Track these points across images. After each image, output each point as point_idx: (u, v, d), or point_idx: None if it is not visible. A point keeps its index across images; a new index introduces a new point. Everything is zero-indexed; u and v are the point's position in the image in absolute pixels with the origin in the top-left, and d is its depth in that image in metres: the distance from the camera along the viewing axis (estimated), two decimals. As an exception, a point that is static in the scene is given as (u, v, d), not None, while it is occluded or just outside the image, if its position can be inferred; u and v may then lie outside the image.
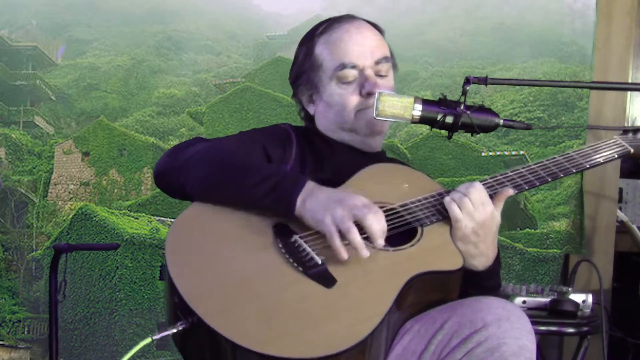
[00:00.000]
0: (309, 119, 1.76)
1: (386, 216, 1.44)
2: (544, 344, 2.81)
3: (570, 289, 2.43)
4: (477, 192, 1.44)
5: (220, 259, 1.34)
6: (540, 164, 1.58)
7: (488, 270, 1.49)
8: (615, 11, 2.97)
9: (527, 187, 1.53)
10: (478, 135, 1.55)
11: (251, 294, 1.29)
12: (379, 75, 1.68)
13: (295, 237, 1.39)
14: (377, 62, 1.69)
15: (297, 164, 1.61)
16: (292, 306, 1.28)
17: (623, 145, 1.66)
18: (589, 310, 2.40)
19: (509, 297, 2.33)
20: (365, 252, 1.32)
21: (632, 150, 1.66)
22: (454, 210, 1.43)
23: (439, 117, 1.50)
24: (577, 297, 2.40)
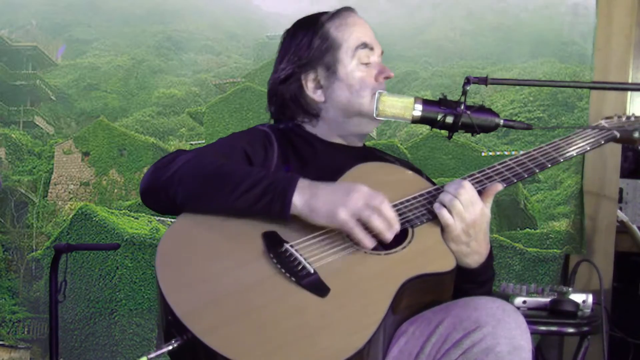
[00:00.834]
0: (307, 106, 1.72)
1: None
2: (544, 344, 2.81)
3: (570, 289, 2.43)
4: (467, 192, 1.43)
5: (211, 273, 1.32)
6: (528, 155, 1.57)
7: (482, 266, 1.49)
8: (615, 11, 2.97)
9: (515, 180, 1.52)
10: (478, 135, 1.54)
11: (245, 308, 1.27)
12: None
13: (286, 246, 1.37)
14: (382, 53, 1.73)
15: (279, 165, 1.60)
16: (288, 319, 1.26)
17: (609, 131, 1.65)
18: (589, 310, 2.40)
19: (509, 297, 2.32)
20: (397, 226, 1.36)
21: (618, 135, 1.66)
22: (444, 215, 1.42)
23: (439, 117, 1.50)
24: (577, 297, 2.40)
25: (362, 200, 1.35)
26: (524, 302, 2.39)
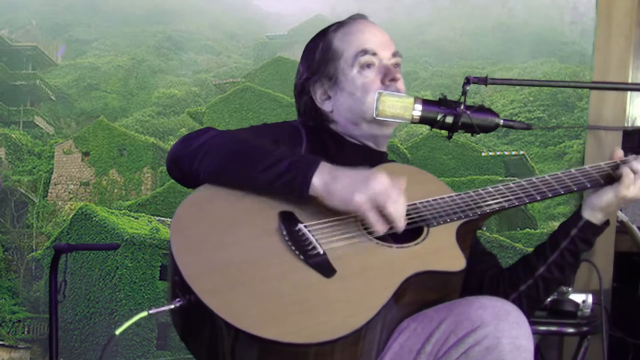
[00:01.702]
0: (321, 117, 1.75)
1: None
2: (544, 344, 2.81)
3: (570, 289, 2.43)
4: None
5: (223, 242, 1.36)
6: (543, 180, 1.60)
7: (603, 225, 1.61)
8: (615, 11, 2.97)
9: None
10: (478, 135, 1.55)
11: (250, 278, 1.30)
12: (395, 68, 1.70)
13: (300, 225, 1.40)
14: (394, 55, 1.71)
15: None
16: (290, 293, 1.29)
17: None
18: (589, 311, 2.40)
19: (509, 297, 2.33)
20: (403, 223, 1.38)
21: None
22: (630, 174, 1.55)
23: (439, 117, 1.51)
24: (577, 297, 2.40)
25: (379, 186, 1.37)
26: (524, 302, 2.39)
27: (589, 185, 1.57)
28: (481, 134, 1.52)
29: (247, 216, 1.40)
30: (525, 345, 1.27)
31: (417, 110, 1.50)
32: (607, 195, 1.56)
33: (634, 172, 1.55)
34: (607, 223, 1.60)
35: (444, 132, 1.52)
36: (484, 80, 1.51)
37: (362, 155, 1.67)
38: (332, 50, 1.71)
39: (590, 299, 2.42)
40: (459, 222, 1.49)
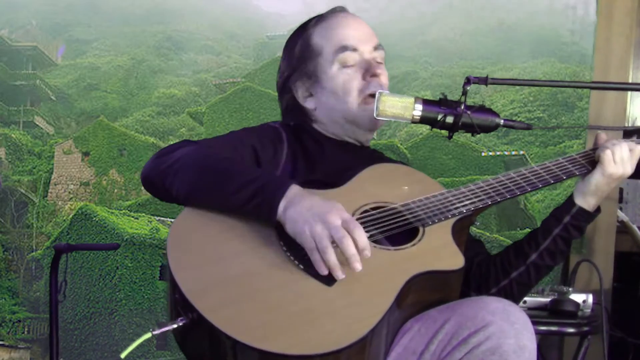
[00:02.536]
0: (304, 115, 1.74)
1: (387, 216, 1.45)
2: (544, 344, 2.81)
3: (570, 289, 2.43)
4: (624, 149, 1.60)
5: (221, 256, 1.34)
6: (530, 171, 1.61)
7: (596, 212, 1.61)
8: (615, 11, 2.97)
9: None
10: (478, 135, 1.54)
11: (251, 290, 1.29)
12: (377, 62, 1.68)
13: None
14: (375, 48, 1.69)
15: (288, 164, 1.58)
16: (293, 303, 1.27)
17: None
18: (589, 310, 2.40)
19: (509, 297, 2.33)
20: (339, 274, 1.30)
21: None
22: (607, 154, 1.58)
23: (440, 117, 1.50)
24: (578, 297, 2.40)
25: (338, 220, 1.31)
26: (524, 302, 2.39)
27: (577, 173, 1.58)
28: (481, 134, 1.52)
29: (244, 228, 1.38)
30: (529, 345, 1.26)
31: (418, 110, 1.50)
32: (594, 177, 1.57)
33: (611, 146, 1.56)
34: (598, 210, 1.61)
35: (444, 132, 1.51)
36: (484, 80, 1.51)
37: (345, 153, 1.65)
38: (312, 46, 1.69)
39: (590, 299, 2.42)
40: (453, 220, 1.48)
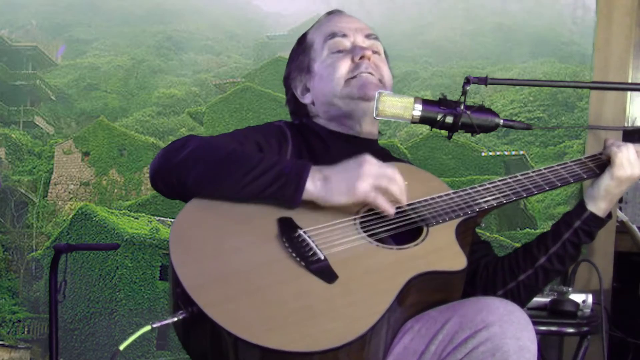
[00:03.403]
0: (306, 113, 1.76)
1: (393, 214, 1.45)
2: (544, 344, 2.81)
3: (570, 289, 2.43)
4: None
5: (223, 251, 1.35)
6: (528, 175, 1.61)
7: (607, 217, 1.61)
8: (615, 11, 2.97)
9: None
10: (478, 135, 1.55)
11: (252, 286, 1.30)
12: (371, 50, 1.71)
13: (300, 231, 1.40)
14: (368, 36, 1.72)
15: None
16: (293, 300, 1.28)
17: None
18: (589, 310, 2.41)
19: (509, 297, 2.32)
20: (404, 199, 1.42)
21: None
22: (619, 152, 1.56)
23: (439, 117, 1.51)
24: (577, 297, 2.41)
25: (375, 169, 1.39)
26: (524, 301, 2.39)
27: (585, 176, 1.58)
28: (481, 134, 1.53)
29: (246, 224, 1.40)
30: (529, 346, 1.27)
31: (417, 110, 1.50)
32: (604, 181, 1.57)
33: (619, 147, 1.56)
34: (609, 216, 1.61)
35: (444, 132, 1.53)
36: (484, 80, 1.51)
37: (350, 149, 1.66)
38: (305, 43, 1.76)
39: (590, 299, 2.42)
40: (458, 220, 1.50)
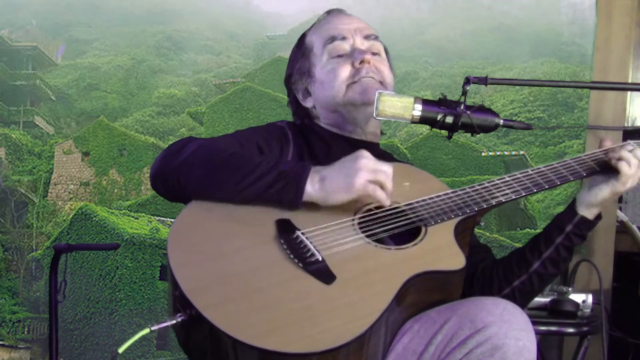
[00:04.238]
0: (308, 115, 1.76)
1: (390, 215, 1.45)
2: (544, 344, 2.81)
3: (570, 289, 2.43)
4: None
5: (221, 254, 1.35)
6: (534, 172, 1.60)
7: (596, 219, 1.60)
8: (615, 11, 2.97)
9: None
10: (478, 135, 1.54)
11: (250, 288, 1.29)
12: (371, 52, 1.69)
13: (298, 233, 1.39)
14: (367, 37, 1.70)
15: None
16: (291, 301, 1.28)
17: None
18: (589, 310, 2.40)
19: (509, 297, 2.33)
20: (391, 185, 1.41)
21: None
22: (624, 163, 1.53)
23: (439, 117, 1.50)
24: (577, 297, 2.40)
25: (371, 163, 1.39)
26: (524, 302, 2.39)
27: (584, 174, 1.56)
28: (481, 134, 1.52)
29: (244, 226, 1.39)
30: (529, 346, 1.26)
31: (417, 110, 1.49)
32: (602, 193, 1.55)
33: (629, 161, 1.53)
34: (599, 217, 1.60)
35: (444, 132, 1.51)
36: (484, 80, 1.51)
37: (350, 149, 1.63)
38: (305, 46, 1.73)
39: (590, 299, 2.41)
40: (456, 220, 1.48)
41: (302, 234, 1.38)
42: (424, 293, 1.38)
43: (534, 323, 1.31)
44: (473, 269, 1.61)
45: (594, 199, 1.56)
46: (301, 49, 1.74)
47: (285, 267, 1.33)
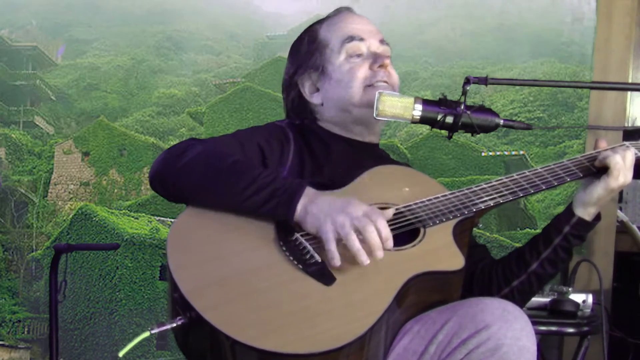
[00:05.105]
0: (310, 112, 1.75)
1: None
2: (544, 344, 2.81)
3: (570, 289, 2.43)
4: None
5: (220, 255, 1.36)
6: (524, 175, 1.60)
7: (595, 220, 1.60)
8: (615, 11, 2.97)
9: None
10: (478, 135, 1.54)
11: (249, 289, 1.30)
12: (385, 55, 1.71)
13: (297, 235, 1.39)
14: (381, 42, 1.72)
15: (295, 165, 1.60)
16: (290, 303, 1.28)
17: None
18: (589, 310, 2.40)
19: (509, 297, 2.33)
20: (364, 259, 1.31)
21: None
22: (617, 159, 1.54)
23: (439, 117, 1.50)
24: (577, 297, 2.40)
25: (360, 211, 1.34)
26: (524, 302, 2.39)
27: (581, 175, 1.57)
28: (481, 134, 1.52)
29: (243, 228, 1.40)
30: (529, 346, 1.27)
31: (417, 110, 1.50)
32: (597, 191, 1.55)
33: (616, 156, 1.54)
34: (598, 217, 1.60)
35: (444, 132, 1.51)
36: (484, 80, 1.51)
37: (351, 152, 1.66)
38: (318, 41, 1.72)
39: (590, 299, 2.42)
40: (455, 221, 1.49)
41: (301, 235, 1.39)
42: (424, 294, 1.38)
43: (534, 323, 1.32)
44: (472, 269, 1.62)
45: (590, 198, 1.56)
46: (314, 43, 1.72)
47: (284, 268, 1.33)
